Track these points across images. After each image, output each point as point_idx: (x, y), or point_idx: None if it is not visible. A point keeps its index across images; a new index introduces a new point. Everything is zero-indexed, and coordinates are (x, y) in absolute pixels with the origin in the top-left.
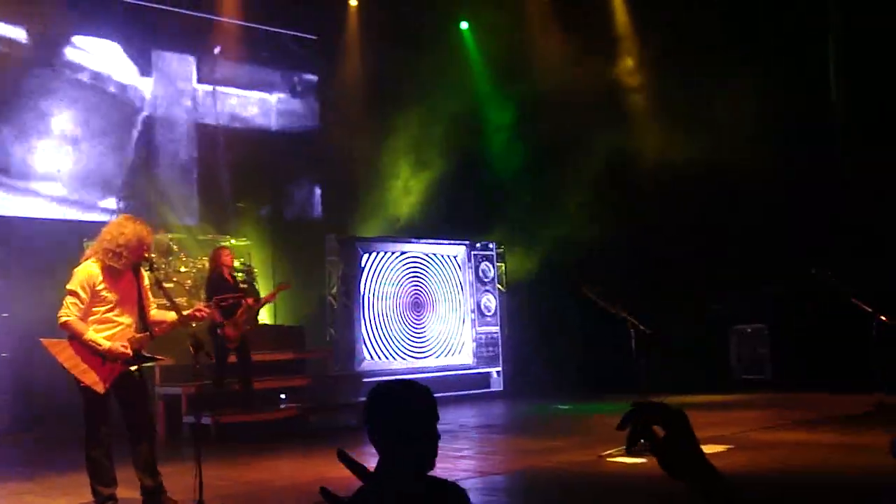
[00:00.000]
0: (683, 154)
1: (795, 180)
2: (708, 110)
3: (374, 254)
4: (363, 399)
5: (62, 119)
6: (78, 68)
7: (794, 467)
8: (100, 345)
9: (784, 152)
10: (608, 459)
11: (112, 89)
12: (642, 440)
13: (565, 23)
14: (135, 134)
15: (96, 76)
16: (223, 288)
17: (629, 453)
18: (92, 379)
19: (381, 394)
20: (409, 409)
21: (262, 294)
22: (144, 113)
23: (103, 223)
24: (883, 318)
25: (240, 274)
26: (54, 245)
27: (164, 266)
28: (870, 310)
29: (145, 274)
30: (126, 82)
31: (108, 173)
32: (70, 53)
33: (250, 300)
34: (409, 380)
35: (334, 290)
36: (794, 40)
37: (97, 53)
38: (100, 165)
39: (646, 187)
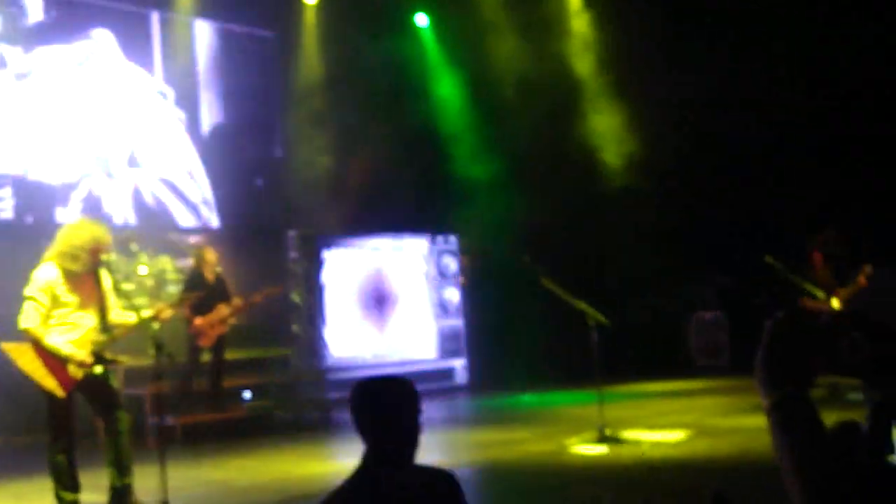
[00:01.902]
0: (639, 146)
1: (747, 171)
2: (665, 101)
3: (335, 249)
4: (329, 395)
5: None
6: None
7: (753, 453)
8: (60, 350)
9: (734, 142)
10: (571, 449)
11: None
12: None
13: (521, 12)
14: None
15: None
16: (200, 286)
17: None
18: (52, 384)
19: (366, 388)
20: (392, 402)
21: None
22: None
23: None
24: (834, 303)
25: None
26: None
27: (123, 266)
28: (821, 296)
29: (106, 276)
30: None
31: (66, 172)
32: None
33: (238, 301)
34: (392, 375)
35: (297, 287)
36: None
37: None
38: (58, 164)
39: (604, 178)
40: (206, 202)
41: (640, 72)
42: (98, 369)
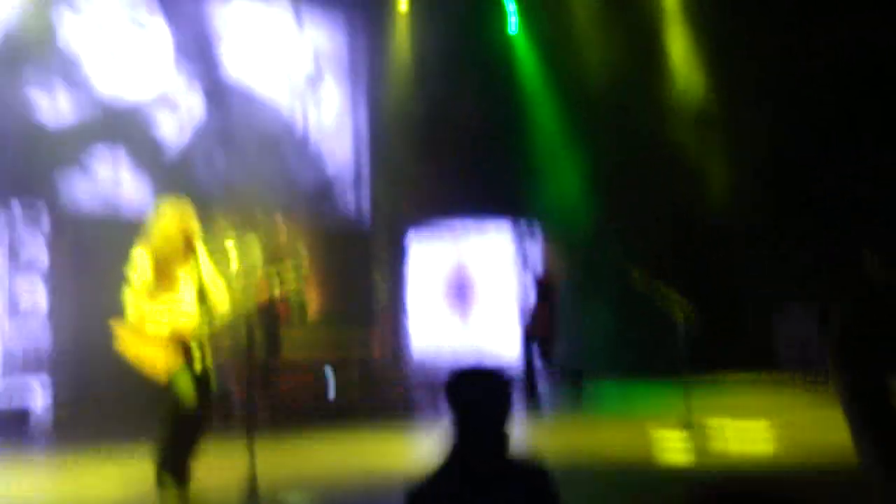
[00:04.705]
0: (728, 133)
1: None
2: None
3: (419, 235)
4: (410, 377)
5: None
6: None
7: (841, 444)
8: (160, 333)
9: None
10: (655, 436)
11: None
12: None
13: (612, 18)
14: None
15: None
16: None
17: None
18: (152, 368)
19: (461, 379)
20: (485, 394)
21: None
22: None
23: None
24: None
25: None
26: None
27: (216, 250)
28: None
29: (205, 261)
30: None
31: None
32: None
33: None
34: (488, 366)
35: (382, 272)
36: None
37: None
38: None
39: (692, 163)
40: (296, 185)
41: (738, 70)
42: (198, 365)
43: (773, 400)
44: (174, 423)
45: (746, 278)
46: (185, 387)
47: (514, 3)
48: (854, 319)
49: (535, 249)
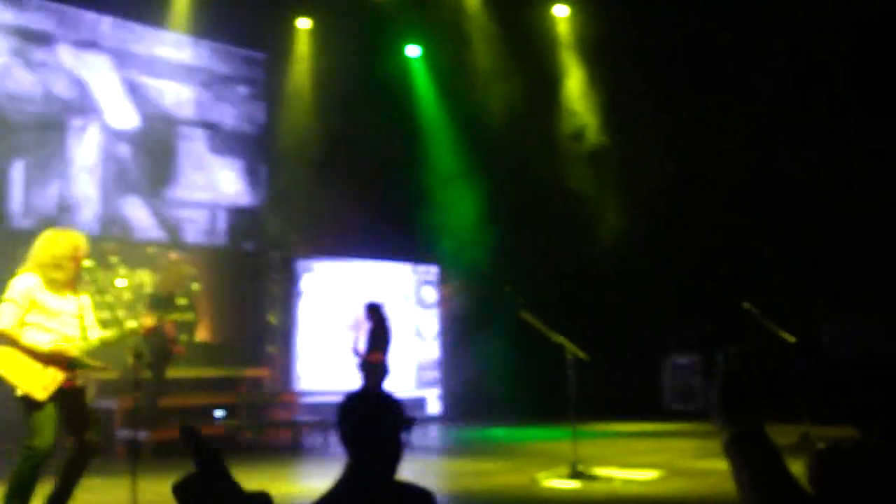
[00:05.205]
0: (629, 188)
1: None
2: (655, 146)
3: (314, 272)
4: (300, 418)
5: None
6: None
7: (726, 495)
8: (40, 348)
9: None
10: (543, 483)
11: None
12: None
13: (505, 28)
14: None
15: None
16: (167, 302)
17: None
18: (30, 386)
19: (351, 400)
20: (375, 414)
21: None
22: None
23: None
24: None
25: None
26: None
27: (101, 278)
28: (794, 343)
29: (83, 292)
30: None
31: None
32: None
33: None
34: (381, 391)
35: (274, 308)
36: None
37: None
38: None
39: (586, 214)
40: (188, 220)
41: (632, 117)
42: (79, 381)
43: (659, 447)
44: (41, 454)
45: (635, 326)
46: (49, 417)
47: (417, 35)
48: (735, 370)
49: (429, 287)
